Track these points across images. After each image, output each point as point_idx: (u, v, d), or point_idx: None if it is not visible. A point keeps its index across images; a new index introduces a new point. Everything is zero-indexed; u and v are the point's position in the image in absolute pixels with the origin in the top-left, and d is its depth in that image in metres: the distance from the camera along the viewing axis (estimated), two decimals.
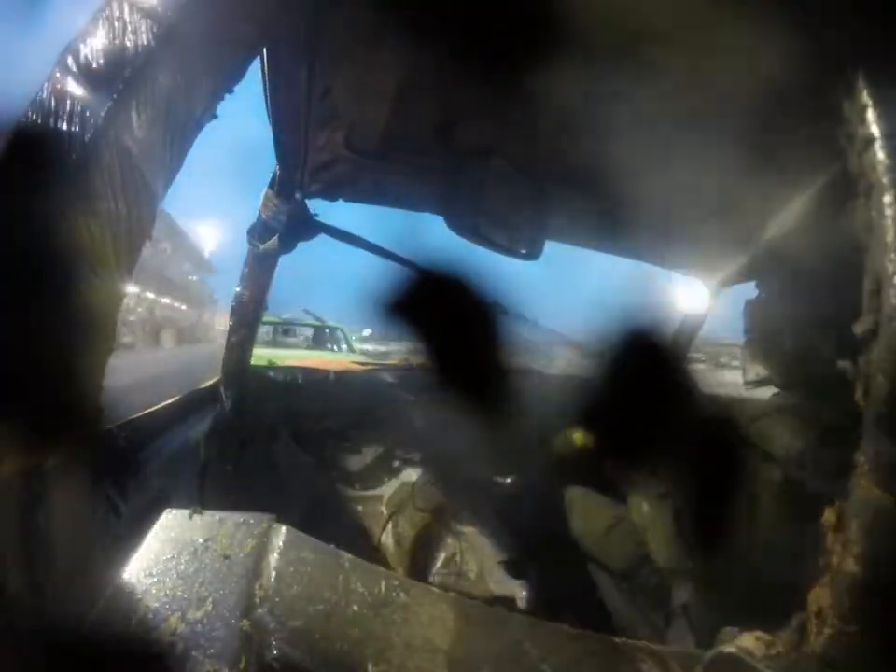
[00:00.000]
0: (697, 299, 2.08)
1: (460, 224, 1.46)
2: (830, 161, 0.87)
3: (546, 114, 1.06)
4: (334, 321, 7.79)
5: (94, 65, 0.50)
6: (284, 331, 7.49)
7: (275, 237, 1.42)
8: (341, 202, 1.63)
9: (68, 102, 0.48)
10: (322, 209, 1.53)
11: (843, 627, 0.39)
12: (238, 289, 1.58)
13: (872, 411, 0.38)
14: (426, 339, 0.77)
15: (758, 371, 1.23)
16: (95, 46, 0.50)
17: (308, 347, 7.20)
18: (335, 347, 7.23)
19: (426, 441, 1.96)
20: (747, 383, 1.29)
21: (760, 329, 1.22)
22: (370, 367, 2.44)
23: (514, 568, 1.38)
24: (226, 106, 0.69)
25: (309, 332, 7.77)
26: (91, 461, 0.55)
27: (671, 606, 1.09)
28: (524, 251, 1.52)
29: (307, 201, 1.49)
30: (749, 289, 1.46)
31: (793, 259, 1.22)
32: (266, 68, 0.95)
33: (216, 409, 1.48)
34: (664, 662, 0.52)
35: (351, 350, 7.08)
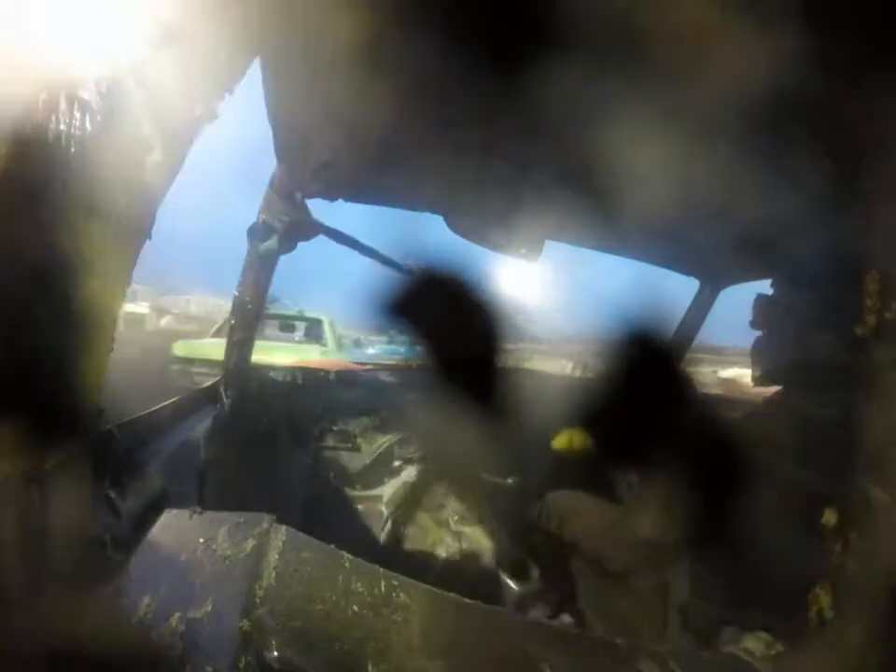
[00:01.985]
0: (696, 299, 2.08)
1: (460, 224, 1.46)
2: (831, 161, 0.87)
3: (546, 114, 1.06)
4: (318, 312, 6.26)
5: (95, 65, 0.50)
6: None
7: (275, 237, 1.42)
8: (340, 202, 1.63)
9: (68, 102, 0.48)
10: (322, 209, 1.53)
11: (843, 627, 0.39)
12: (238, 290, 1.58)
13: (873, 410, 0.39)
14: (425, 339, 0.77)
15: (766, 366, 1.24)
16: (96, 46, 0.50)
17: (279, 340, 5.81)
18: (322, 342, 5.80)
19: (426, 440, 1.96)
20: (754, 378, 1.29)
21: (767, 325, 1.22)
22: (370, 367, 2.44)
23: (514, 568, 1.38)
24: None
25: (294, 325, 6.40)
26: (90, 461, 0.55)
27: (671, 606, 1.09)
28: (524, 251, 1.52)
29: (307, 201, 1.49)
30: (749, 289, 1.46)
31: (797, 257, 1.22)
32: (266, 68, 0.95)
33: (216, 409, 1.47)
34: (664, 662, 0.52)
35: (337, 348, 5.71)
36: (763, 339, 1.25)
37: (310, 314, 6.32)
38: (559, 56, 0.81)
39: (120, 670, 0.47)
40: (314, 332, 6.07)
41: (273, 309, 5.92)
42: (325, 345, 5.69)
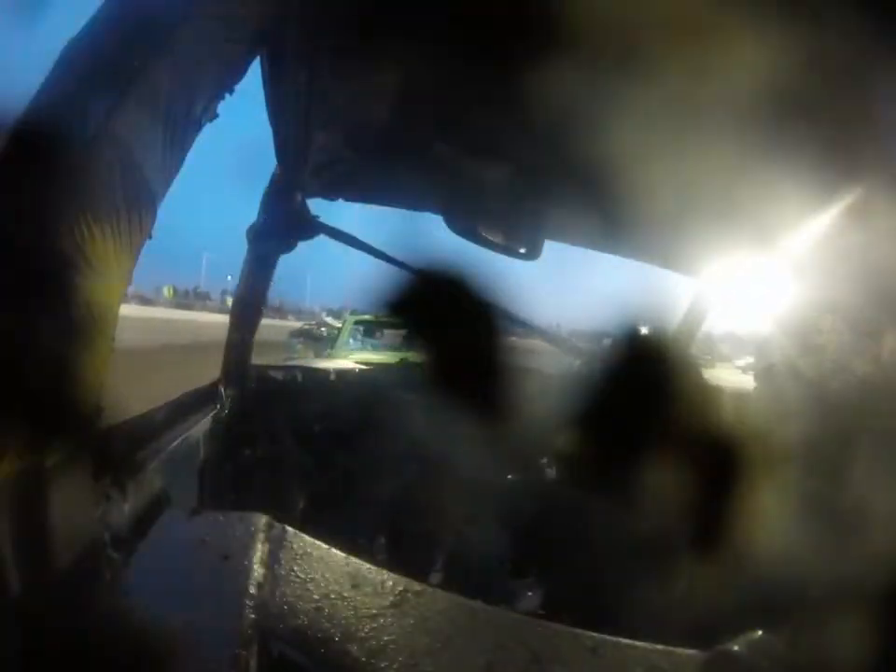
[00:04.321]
0: (697, 298, 2.08)
1: (460, 224, 1.46)
2: (833, 158, 0.87)
3: (546, 113, 1.06)
4: None
5: (94, 65, 0.50)
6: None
7: (275, 237, 1.43)
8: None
9: (68, 102, 0.48)
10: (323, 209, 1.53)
11: (842, 626, 0.39)
12: (238, 290, 1.58)
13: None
14: (425, 339, 0.77)
15: (770, 361, 1.23)
16: (95, 46, 0.50)
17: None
18: None
19: (425, 440, 1.95)
20: (756, 372, 1.29)
21: (773, 319, 1.22)
22: (370, 367, 2.44)
23: (514, 568, 1.38)
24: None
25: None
26: (90, 461, 0.55)
27: (671, 605, 1.09)
28: (523, 251, 1.53)
29: (307, 201, 1.50)
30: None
31: (798, 256, 1.21)
32: (266, 68, 0.95)
33: (216, 409, 1.47)
34: (663, 662, 0.52)
35: None
36: (769, 333, 1.25)
37: None
38: (559, 55, 0.81)
39: (120, 670, 0.47)
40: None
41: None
42: None
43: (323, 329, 10.37)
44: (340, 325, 6.21)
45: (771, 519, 0.80)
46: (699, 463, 0.81)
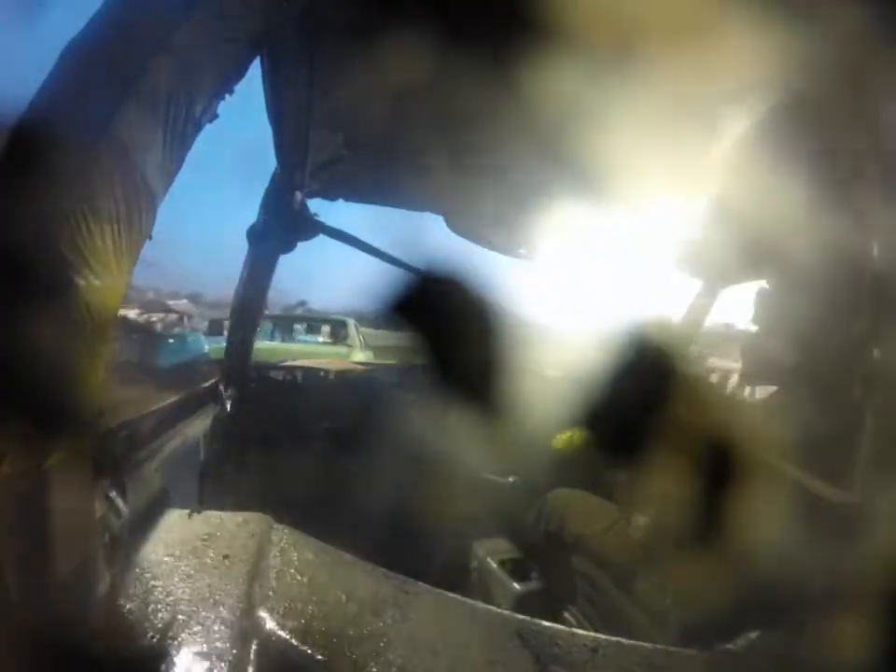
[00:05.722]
0: (697, 298, 2.08)
1: (460, 224, 1.46)
2: (833, 158, 0.87)
3: (546, 113, 1.06)
4: (341, 314, 6.99)
5: (94, 65, 0.50)
6: (285, 328, 6.85)
7: (275, 237, 1.43)
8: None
9: (68, 102, 0.48)
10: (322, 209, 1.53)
11: (842, 627, 0.39)
12: (238, 289, 1.58)
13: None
14: (425, 338, 0.77)
15: (758, 364, 1.23)
16: (95, 46, 0.50)
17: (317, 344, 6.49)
18: (348, 344, 6.30)
19: (425, 440, 1.95)
20: (743, 375, 1.29)
21: (766, 321, 1.22)
22: (370, 367, 2.45)
23: (514, 568, 1.38)
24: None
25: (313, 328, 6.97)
26: (90, 461, 0.55)
27: (670, 605, 1.09)
28: (523, 251, 1.53)
29: (307, 201, 1.50)
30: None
31: (796, 257, 1.21)
32: (266, 68, 0.95)
33: (216, 409, 1.47)
34: (663, 662, 0.52)
35: (361, 348, 6.20)
36: (758, 336, 1.25)
37: (335, 316, 7.05)
38: (559, 55, 0.81)
39: (120, 670, 0.47)
40: (339, 334, 6.63)
41: (299, 312, 6.97)
42: (350, 346, 6.25)
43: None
44: None
45: (771, 519, 0.80)
46: (699, 463, 0.81)
